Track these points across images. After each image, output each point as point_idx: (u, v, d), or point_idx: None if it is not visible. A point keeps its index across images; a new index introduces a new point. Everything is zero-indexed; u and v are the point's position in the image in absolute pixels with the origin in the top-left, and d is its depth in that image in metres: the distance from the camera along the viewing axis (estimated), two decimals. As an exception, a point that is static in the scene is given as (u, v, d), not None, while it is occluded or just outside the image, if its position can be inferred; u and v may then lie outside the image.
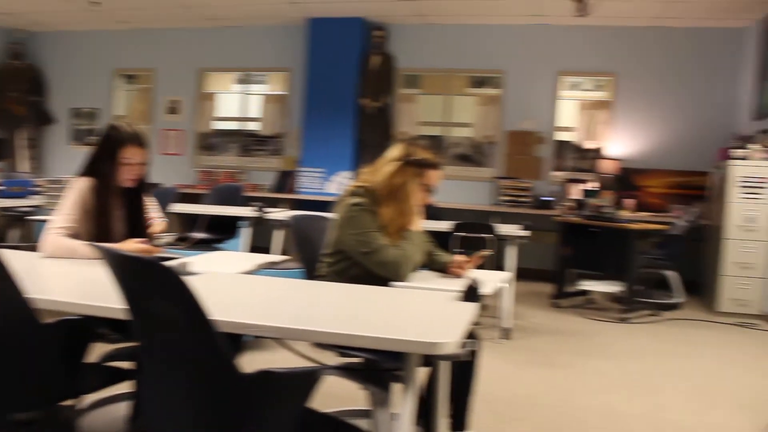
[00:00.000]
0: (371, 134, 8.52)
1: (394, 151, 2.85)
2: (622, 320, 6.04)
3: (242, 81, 9.53)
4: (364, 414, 2.99)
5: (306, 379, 1.76)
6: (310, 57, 8.64)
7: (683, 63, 8.14)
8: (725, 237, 6.57)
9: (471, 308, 2.02)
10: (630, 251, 6.10)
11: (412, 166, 2.80)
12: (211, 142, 9.50)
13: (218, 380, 1.64)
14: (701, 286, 7.40)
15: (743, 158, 6.56)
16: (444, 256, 3.02)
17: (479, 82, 8.77)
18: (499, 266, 5.12)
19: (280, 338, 2.52)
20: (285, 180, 8.88)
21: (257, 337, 3.77)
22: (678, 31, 8.09)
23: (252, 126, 9.42)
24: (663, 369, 4.61)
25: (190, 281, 1.57)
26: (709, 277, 7.09)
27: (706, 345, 5.41)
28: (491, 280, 2.78)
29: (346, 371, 2.44)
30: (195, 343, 1.63)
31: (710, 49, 8.10)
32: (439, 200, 7.17)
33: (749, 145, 6.64)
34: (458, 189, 8.49)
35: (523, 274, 7.48)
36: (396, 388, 2.14)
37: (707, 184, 7.68)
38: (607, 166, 7.94)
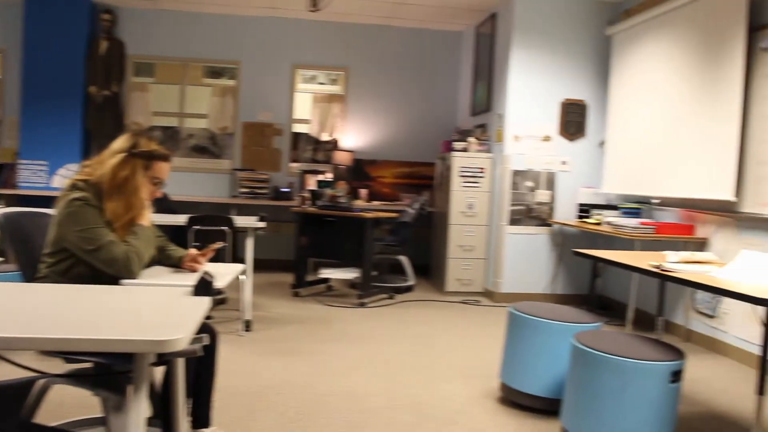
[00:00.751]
0: (101, 124, 8.01)
1: (120, 143, 2.69)
2: (361, 305, 6.30)
3: (-55, 63, 8.48)
4: (99, 422, 2.82)
5: (19, 391, 1.61)
6: (27, 38, 7.88)
7: (411, 61, 8.67)
8: (450, 222, 7.11)
9: (204, 302, 1.98)
10: (365, 239, 6.36)
11: (139, 158, 2.67)
12: None
13: None
14: (431, 269, 7.96)
15: (463, 150, 7.14)
16: (177, 251, 2.93)
17: (215, 73, 8.62)
18: (237, 258, 5.09)
19: (-6, 348, 2.29)
20: (1, 174, 8.06)
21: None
22: (406, 30, 8.60)
23: (-41, 114, 8.42)
24: (399, 349, 4.88)
25: None
26: (437, 259, 7.65)
27: (437, 323, 5.82)
28: (227, 273, 2.75)
29: (72, 378, 2.28)
30: None
31: (434, 50, 8.71)
32: (176, 193, 6.97)
33: (468, 139, 7.24)
34: (195, 181, 8.31)
35: (263, 266, 7.54)
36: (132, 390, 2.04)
37: (433, 174, 8.25)
38: (341, 158, 8.22)
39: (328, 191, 6.74)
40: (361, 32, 8.55)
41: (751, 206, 4.98)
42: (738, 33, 5.03)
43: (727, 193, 5.06)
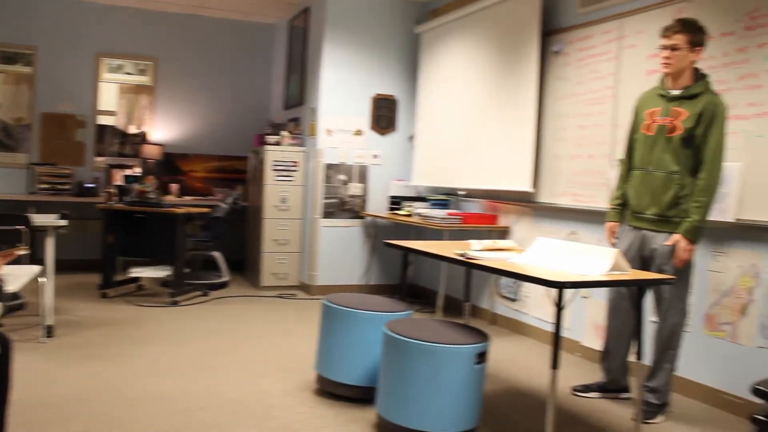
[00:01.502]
0: None
1: None
2: (174, 304, 6.11)
3: None
4: None
5: None
6: None
7: (223, 53, 8.50)
8: (264, 217, 7.05)
9: (-6, 308, 1.84)
10: (176, 235, 6.17)
11: None
12: None
13: None
14: (246, 264, 7.87)
15: (276, 144, 7.11)
16: (-35, 254, 2.69)
17: (8, 58, 7.96)
18: (37, 260, 4.75)
19: None
20: None
21: None
22: (217, 21, 8.41)
23: None
24: (215, 347, 4.78)
25: None
26: (252, 254, 7.57)
27: (253, 318, 5.76)
28: (21, 275, 2.57)
29: None
30: None
31: (247, 42, 8.60)
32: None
33: (282, 132, 7.21)
34: (-13, 177, 7.67)
35: (67, 266, 7.10)
36: None
37: (246, 167, 8.14)
38: (150, 152, 7.91)
39: (137, 186, 6.46)
40: (170, 21, 8.24)
41: (546, 197, 5.38)
42: (533, 37, 5.39)
43: (525, 185, 5.42)
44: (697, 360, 4.10)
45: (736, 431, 3.61)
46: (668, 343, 3.71)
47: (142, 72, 8.35)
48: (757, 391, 2.34)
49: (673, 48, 3.59)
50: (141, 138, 8.17)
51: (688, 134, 3.56)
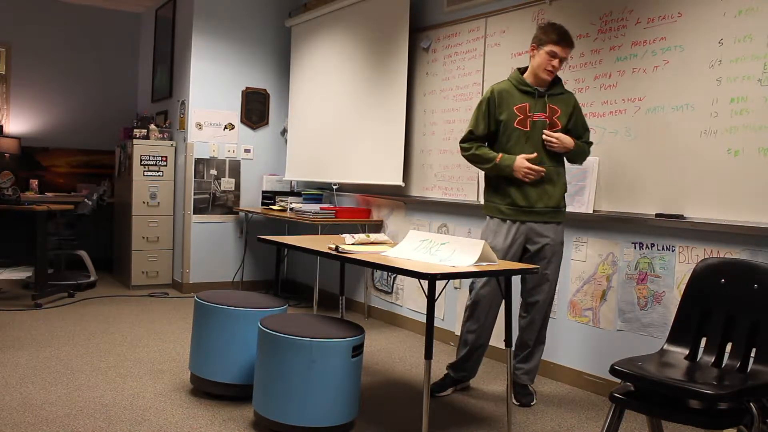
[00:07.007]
0: None
1: None
2: (36, 306, 5.81)
3: None
4: None
5: None
6: None
7: (86, 41, 8.10)
8: (133, 213, 6.81)
9: None
10: (38, 234, 5.87)
11: None
12: None
13: None
14: (115, 263, 7.58)
15: (145, 137, 6.88)
16: None
17: None
18: None
19: None
20: None
21: None
22: (78, 7, 8.00)
23: None
24: (81, 350, 4.59)
25: None
26: (121, 252, 7.31)
27: (123, 319, 5.57)
28: None
29: None
30: None
31: (113, 31, 8.24)
32: None
33: (150, 126, 6.99)
34: None
35: None
36: None
37: (113, 162, 7.83)
38: (6, 146, 7.47)
39: (-8, 183, 6.10)
40: (24, 5, 7.76)
41: (417, 190, 5.50)
42: (402, 33, 5.49)
43: (396, 179, 5.52)
44: (562, 344, 4.33)
45: (598, 409, 3.84)
46: (544, 322, 3.89)
47: (-5, 61, 7.85)
48: (615, 371, 2.50)
49: (562, 60, 3.70)
50: (-5, 131, 7.71)
51: (564, 129, 3.74)
